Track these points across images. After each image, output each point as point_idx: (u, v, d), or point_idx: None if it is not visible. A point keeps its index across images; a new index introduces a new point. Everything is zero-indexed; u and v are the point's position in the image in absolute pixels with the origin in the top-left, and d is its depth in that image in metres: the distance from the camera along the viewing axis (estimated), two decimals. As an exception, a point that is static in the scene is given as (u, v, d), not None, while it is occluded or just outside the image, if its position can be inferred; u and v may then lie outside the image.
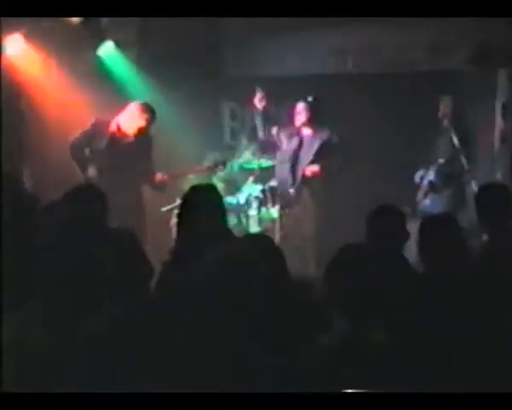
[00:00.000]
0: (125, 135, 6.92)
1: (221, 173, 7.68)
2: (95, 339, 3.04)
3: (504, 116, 7.87)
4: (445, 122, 7.38)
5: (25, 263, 3.79)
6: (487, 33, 7.44)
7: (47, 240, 4.23)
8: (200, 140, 8.02)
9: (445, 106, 7.44)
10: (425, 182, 7.48)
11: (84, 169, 6.92)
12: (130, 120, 6.91)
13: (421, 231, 4.20)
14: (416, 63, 8.04)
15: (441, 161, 7.42)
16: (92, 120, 6.96)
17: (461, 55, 7.78)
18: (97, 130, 6.93)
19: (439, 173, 7.40)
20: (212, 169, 7.47)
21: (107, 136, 6.91)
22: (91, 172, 6.88)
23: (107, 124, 6.96)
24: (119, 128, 6.93)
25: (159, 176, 7.05)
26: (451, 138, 7.23)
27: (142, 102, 6.97)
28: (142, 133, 6.92)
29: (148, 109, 6.92)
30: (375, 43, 7.97)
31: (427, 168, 7.48)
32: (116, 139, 6.91)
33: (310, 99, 7.55)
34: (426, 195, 7.50)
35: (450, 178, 7.38)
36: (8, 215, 4.14)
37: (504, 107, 7.90)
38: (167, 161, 7.27)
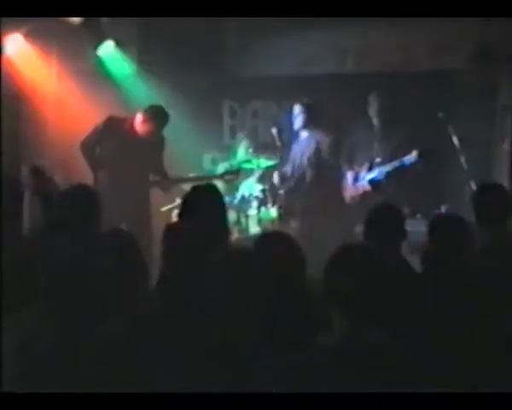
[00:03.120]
0: (137, 135, 6.83)
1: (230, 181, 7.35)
2: (95, 339, 3.05)
3: (504, 116, 7.86)
4: (375, 120, 7.37)
5: (24, 264, 3.79)
6: (487, 33, 7.43)
7: (42, 241, 4.24)
8: (200, 139, 8.02)
9: (373, 105, 7.37)
10: (365, 182, 7.32)
11: (95, 169, 6.82)
12: (143, 122, 6.83)
13: (429, 229, 4.25)
14: (416, 63, 8.04)
15: (378, 160, 7.30)
16: (104, 119, 6.87)
17: (461, 55, 7.78)
18: (109, 129, 6.82)
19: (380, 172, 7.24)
20: (223, 178, 7.20)
21: (119, 135, 6.81)
22: (102, 172, 6.79)
23: (120, 123, 6.88)
24: (132, 128, 6.84)
25: (167, 183, 7.00)
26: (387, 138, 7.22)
27: (155, 105, 6.90)
28: (155, 135, 6.86)
29: (162, 113, 6.85)
30: (375, 44, 7.96)
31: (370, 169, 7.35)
32: (128, 139, 6.81)
33: (305, 102, 7.52)
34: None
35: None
36: (8, 215, 4.15)
37: (504, 107, 7.90)
38: (167, 160, 7.25)
